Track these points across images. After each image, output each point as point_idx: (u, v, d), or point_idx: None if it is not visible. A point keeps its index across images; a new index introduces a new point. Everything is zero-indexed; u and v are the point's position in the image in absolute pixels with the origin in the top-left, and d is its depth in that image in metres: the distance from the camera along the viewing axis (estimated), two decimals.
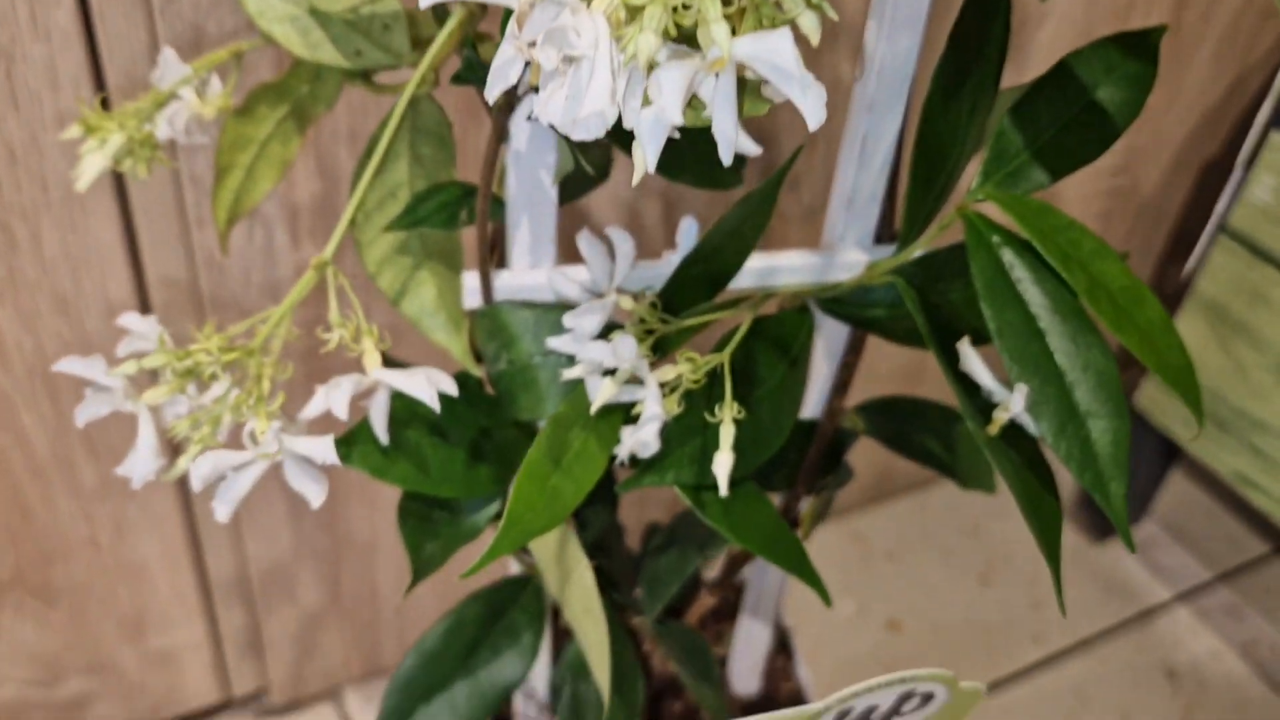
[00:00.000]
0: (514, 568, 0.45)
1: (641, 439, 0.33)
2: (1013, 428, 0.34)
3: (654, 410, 0.32)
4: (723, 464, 0.34)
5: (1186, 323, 0.90)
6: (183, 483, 0.68)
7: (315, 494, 0.29)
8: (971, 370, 0.32)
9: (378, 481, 0.77)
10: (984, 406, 0.34)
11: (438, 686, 0.41)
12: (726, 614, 0.59)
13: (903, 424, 0.47)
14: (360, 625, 0.83)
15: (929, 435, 0.48)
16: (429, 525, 0.34)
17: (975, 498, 1.13)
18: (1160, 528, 1.09)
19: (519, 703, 0.51)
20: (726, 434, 0.34)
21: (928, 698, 0.37)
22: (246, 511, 0.72)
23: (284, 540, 0.75)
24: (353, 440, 0.31)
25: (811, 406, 0.45)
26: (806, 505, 0.41)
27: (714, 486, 0.37)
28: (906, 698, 0.36)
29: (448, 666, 0.41)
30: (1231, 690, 0.95)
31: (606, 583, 0.47)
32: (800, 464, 0.44)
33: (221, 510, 0.29)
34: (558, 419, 0.32)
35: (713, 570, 0.53)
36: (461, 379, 0.36)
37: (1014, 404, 0.31)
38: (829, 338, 0.42)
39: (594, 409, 0.32)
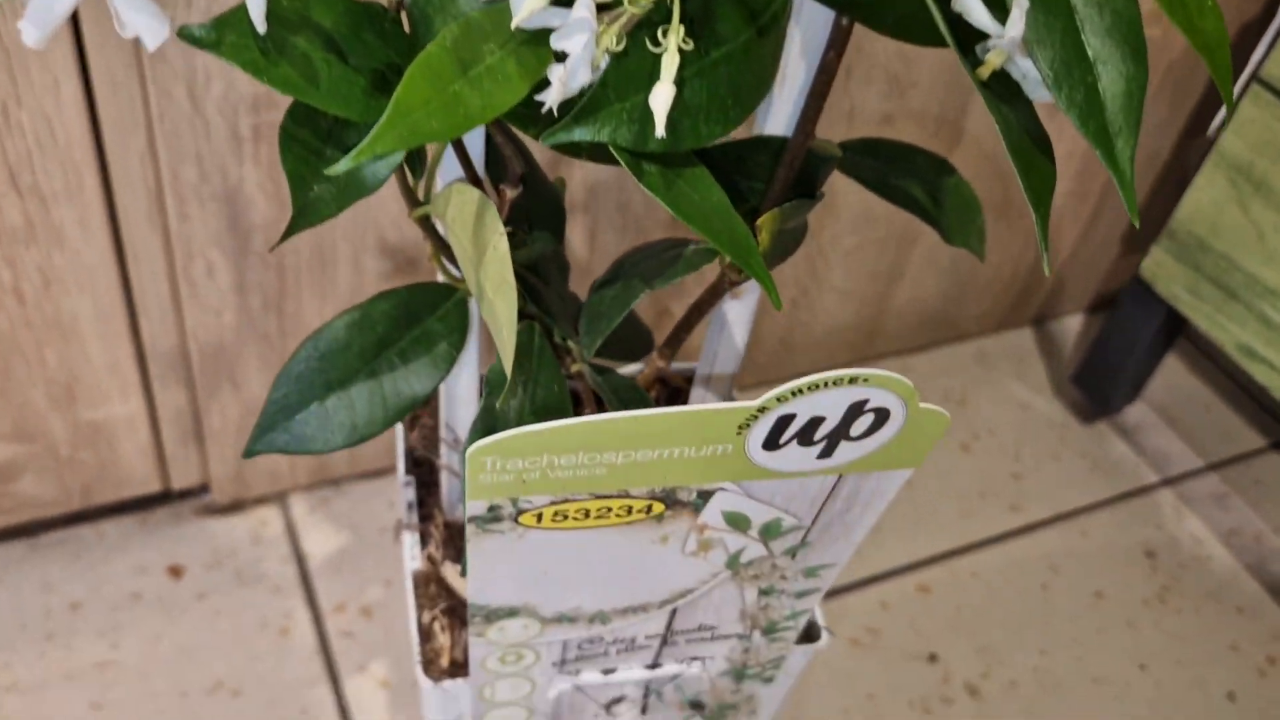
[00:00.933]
0: (439, 278, 0.40)
1: (570, 66, 0.28)
2: (1008, 86, 0.29)
3: (583, 17, 0.27)
4: (661, 98, 0.29)
5: (1206, 180, 0.85)
6: (117, 237, 0.64)
7: (150, 31, 0.24)
8: (966, 8, 0.27)
9: (328, 273, 0.72)
10: (979, 64, 0.29)
11: (335, 385, 0.36)
12: (681, 401, 0.55)
13: (887, 166, 0.43)
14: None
15: (914, 182, 0.43)
16: (319, 161, 0.30)
17: (965, 370, 1.09)
18: (1154, 411, 1.05)
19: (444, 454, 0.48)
20: (669, 63, 0.29)
21: (883, 416, 0.33)
22: (186, 281, 0.67)
23: (227, 318, 0.70)
24: (224, 26, 0.27)
25: (782, 122, 0.40)
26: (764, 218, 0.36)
27: (657, 157, 0.32)
28: (858, 412, 0.32)
29: (348, 364, 0.37)
30: (1210, 575, 0.92)
31: (542, 315, 0.43)
32: (766, 185, 0.39)
33: (29, 33, 0.24)
34: (470, 21, 0.27)
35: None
36: (375, 10, 0.31)
37: (1012, 28, 0.26)
38: (807, 30, 0.37)
39: (515, 23, 0.27)
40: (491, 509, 0.33)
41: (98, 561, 0.79)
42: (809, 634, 0.48)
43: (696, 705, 0.49)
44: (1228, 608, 0.90)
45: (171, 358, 0.72)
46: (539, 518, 0.34)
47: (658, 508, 0.35)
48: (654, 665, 0.46)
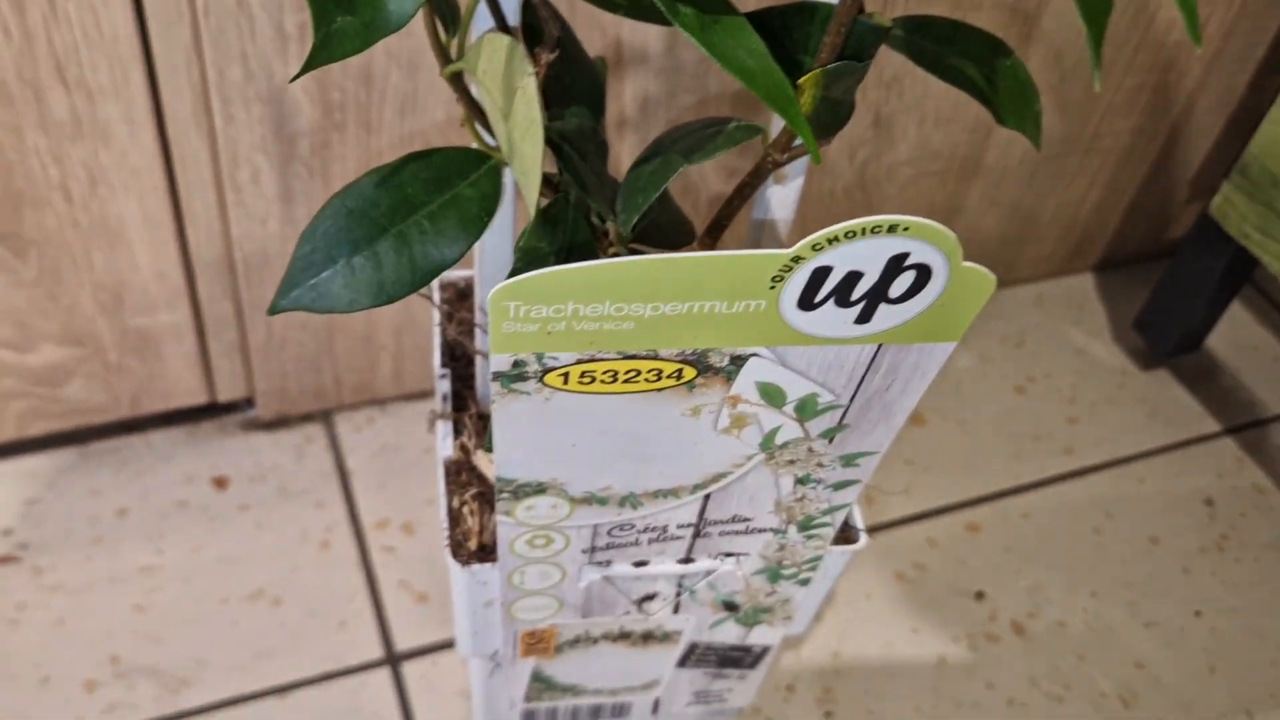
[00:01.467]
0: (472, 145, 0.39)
1: None
2: None
3: None
4: None
5: None
6: (164, 137, 0.64)
7: None
8: None
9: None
10: None
11: (362, 243, 0.36)
12: None
13: (942, 45, 0.41)
14: (353, 340, 0.80)
15: (970, 62, 0.41)
16: None
17: (1022, 308, 1.06)
18: (1218, 360, 1.01)
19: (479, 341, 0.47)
20: None
21: (924, 275, 0.31)
22: (232, 187, 0.67)
23: (272, 227, 0.70)
24: None
25: None
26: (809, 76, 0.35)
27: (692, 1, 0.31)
28: (898, 268, 0.31)
29: (376, 223, 0.36)
30: (1271, 525, 0.89)
31: (576, 187, 0.42)
32: (812, 59, 0.38)
33: None
34: None
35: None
36: None
37: None
38: None
39: None
40: (516, 365, 0.32)
41: (145, 470, 0.80)
42: (847, 536, 0.47)
43: (730, 606, 0.48)
44: None
45: (217, 267, 0.72)
46: (565, 378, 0.33)
47: (688, 373, 0.34)
48: (686, 559, 0.45)
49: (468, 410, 0.48)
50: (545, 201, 0.43)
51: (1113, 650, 0.79)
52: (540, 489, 0.39)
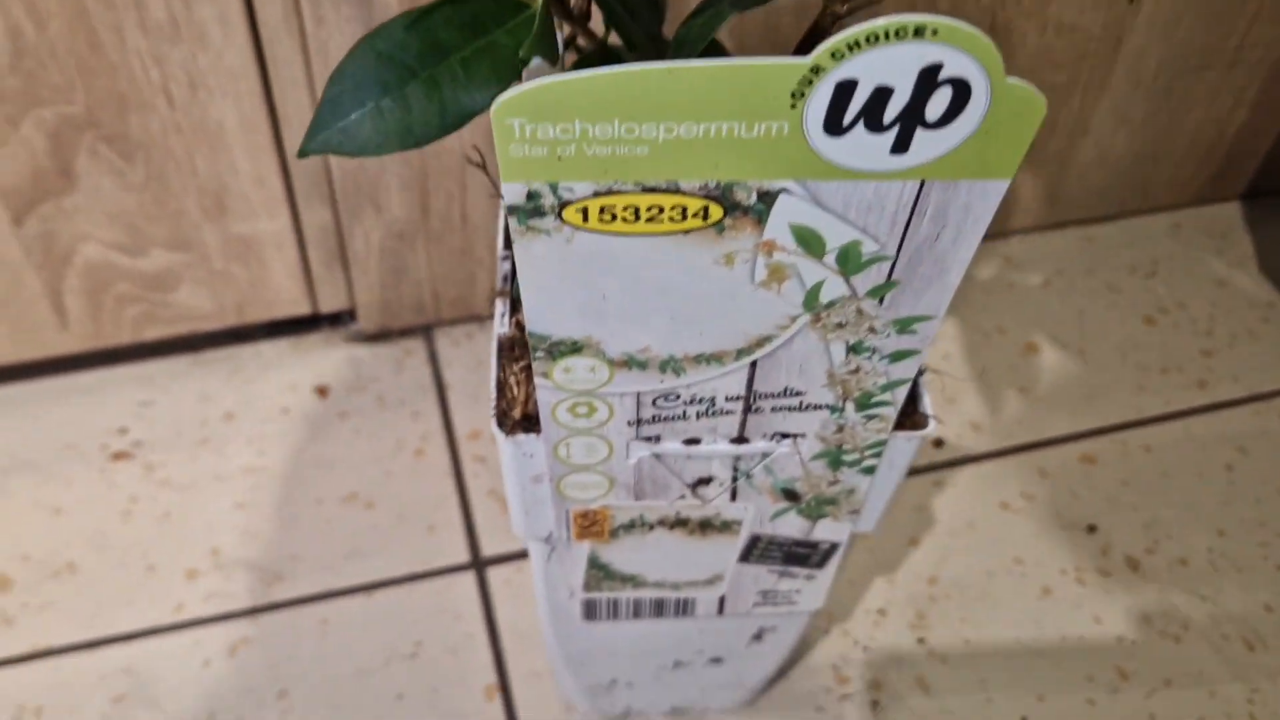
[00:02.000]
0: None
1: None
2: None
3: None
4: None
5: None
6: (257, 39, 0.65)
7: None
8: None
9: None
10: None
11: (391, 87, 0.35)
12: None
13: None
14: (449, 253, 0.80)
15: None
16: None
17: (1155, 237, 0.99)
18: None
19: None
20: None
21: (962, 92, 0.28)
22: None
23: None
24: None
25: None
26: None
27: None
28: (931, 84, 0.28)
29: (407, 66, 0.35)
30: None
31: (621, 47, 0.40)
32: None
33: None
34: None
35: None
36: None
37: None
38: None
39: None
40: (531, 197, 0.31)
41: (252, 378, 0.82)
42: (915, 422, 0.44)
43: (790, 494, 0.47)
44: None
45: (314, 174, 0.73)
46: (584, 214, 0.32)
47: (715, 212, 0.32)
48: (740, 439, 0.44)
49: None
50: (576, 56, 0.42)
51: (1239, 592, 0.74)
52: (575, 348, 0.38)
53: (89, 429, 0.79)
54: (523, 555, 0.73)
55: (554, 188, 0.31)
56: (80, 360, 0.82)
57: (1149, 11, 0.82)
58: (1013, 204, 0.95)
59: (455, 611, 0.71)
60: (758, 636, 0.59)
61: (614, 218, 0.32)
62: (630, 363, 0.39)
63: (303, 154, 0.35)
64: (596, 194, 0.31)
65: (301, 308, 0.81)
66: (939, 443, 0.81)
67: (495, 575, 0.72)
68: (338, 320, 0.86)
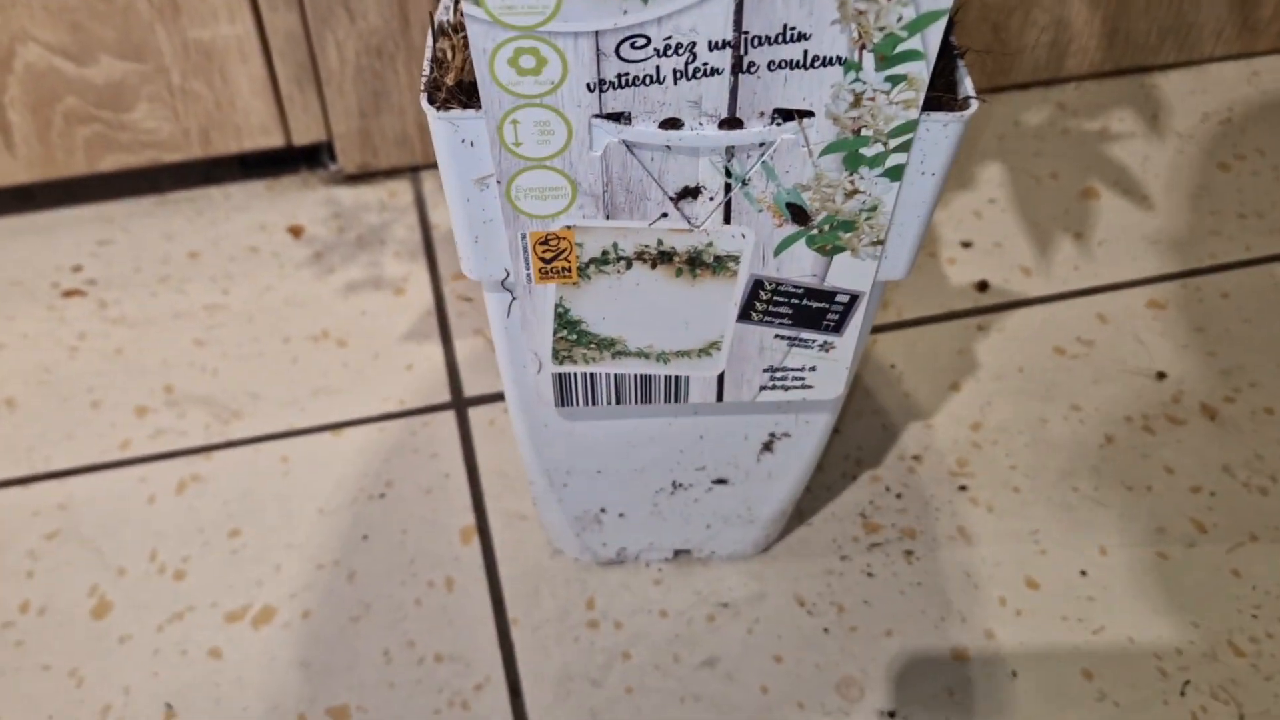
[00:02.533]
0: None
1: None
2: None
3: None
4: None
5: None
6: None
7: None
8: None
9: None
10: None
11: None
12: None
13: None
14: None
15: None
16: None
17: (1230, 84, 0.89)
18: None
19: None
20: None
21: None
22: None
23: None
24: None
25: None
26: None
27: None
28: None
29: None
30: None
31: None
32: None
33: None
34: None
35: None
36: None
37: None
38: None
39: None
40: None
41: (220, 219, 0.75)
42: (953, 102, 0.35)
43: (797, 212, 0.38)
44: None
45: None
46: None
47: None
48: (731, 122, 0.35)
49: None
50: None
51: None
52: None
53: (39, 267, 0.71)
54: None
55: None
56: (33, 195, 0.75)
57: None
58: (1067, 44, 0.85)
59: (431, 451, 0.63)
60: (768, 446, 0.50)
61: None
62: None
63: None
64: None
65: (273, 138, 0.74)
66: (984, 286, 0.72)
67: (478, 415, 0.64)
68: (315, 160, 0.78)
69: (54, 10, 0.64)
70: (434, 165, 0.78)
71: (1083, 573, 0.58)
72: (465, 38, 0.36)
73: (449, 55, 0.35)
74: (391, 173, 0.78)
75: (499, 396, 0.65)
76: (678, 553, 0.58)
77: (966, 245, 0.75)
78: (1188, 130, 0.83)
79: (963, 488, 0.62)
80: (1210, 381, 0.67)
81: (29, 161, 0.71)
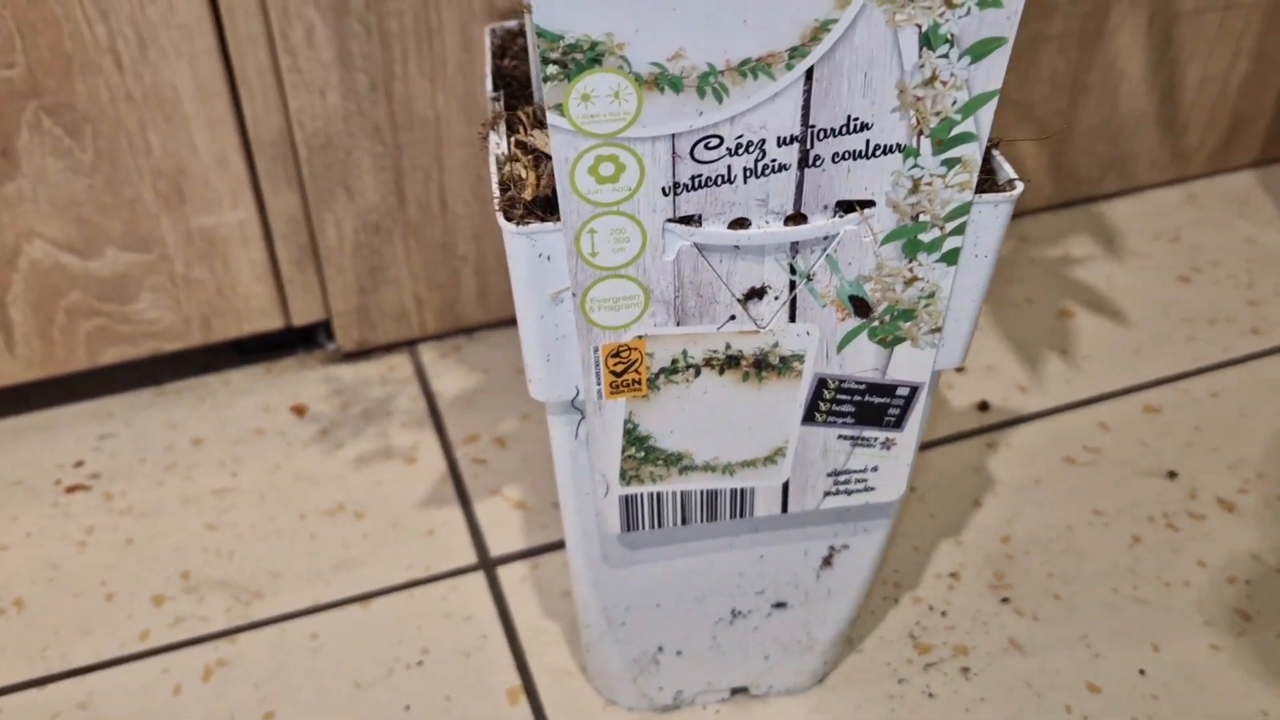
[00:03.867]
0: None
1: None
2: None
3: None
4: None
5: None
6: None
7: None
8: None
9: (435, 47, 0.67)
10: None
11: None
12: None
13: None
14: (430, 249, 0.74)
15: None
16: None
17: (1172, 204, 0.95)
18: None
19: None
20: None
21: None
22: (286, 50, 0.63)
23: (332, 99, 0.66)
24: None
25: None
26: None
27: None
28: None
29: None
30: None
31: None
32: None
33: None
34: None
35: None
36: None
37: None
38: None
39: None
40: None
41: (223, 404, 0.74)
42: (996, 185, 0.37)
43: (860, 304, 0.39)
44: None
45: (279, 150, 0.67)
46: None
47: None
48: (797, 218, 0.36)
49: (520, 110, 0.41)
50: None
51: None
52: (594, 53, 0.31)
53: (40, 465, 0.70)
54: (537, 552, 0.64)
55: None
56: (31, 393, 0.73)
57: None
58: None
59: (464, 614, 0.61)
60: (827, 561, 0.49)
61: None
62: (661, 81, 0.32)
63: None
64: None
65: (273, 320, 0.74)
66: (985, 406, 0.74)
67: (508, 574, 0.63)
68: (312, 340, 0.78)
69: (61, 205, 0.65)
70: (431, 337, 0.79)
71: (1141, 672, 0.58)
72: (535, 157, 0.37)
73: (523, 174, 0.36)
74: (389, 348, 0.78)
75: (527, 554, 0.64)
76: (734, 691, 0.56)
77: (960, 370, 0.77)
78: (1143, 250, 0.88)
79: (1005, 600, 0.61)
80: (1219, 476, 0.68)
81: (29, 361, 0.70)
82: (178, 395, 0.75)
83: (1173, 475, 0.69)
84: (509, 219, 0.36)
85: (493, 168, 0.38)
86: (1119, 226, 0.91)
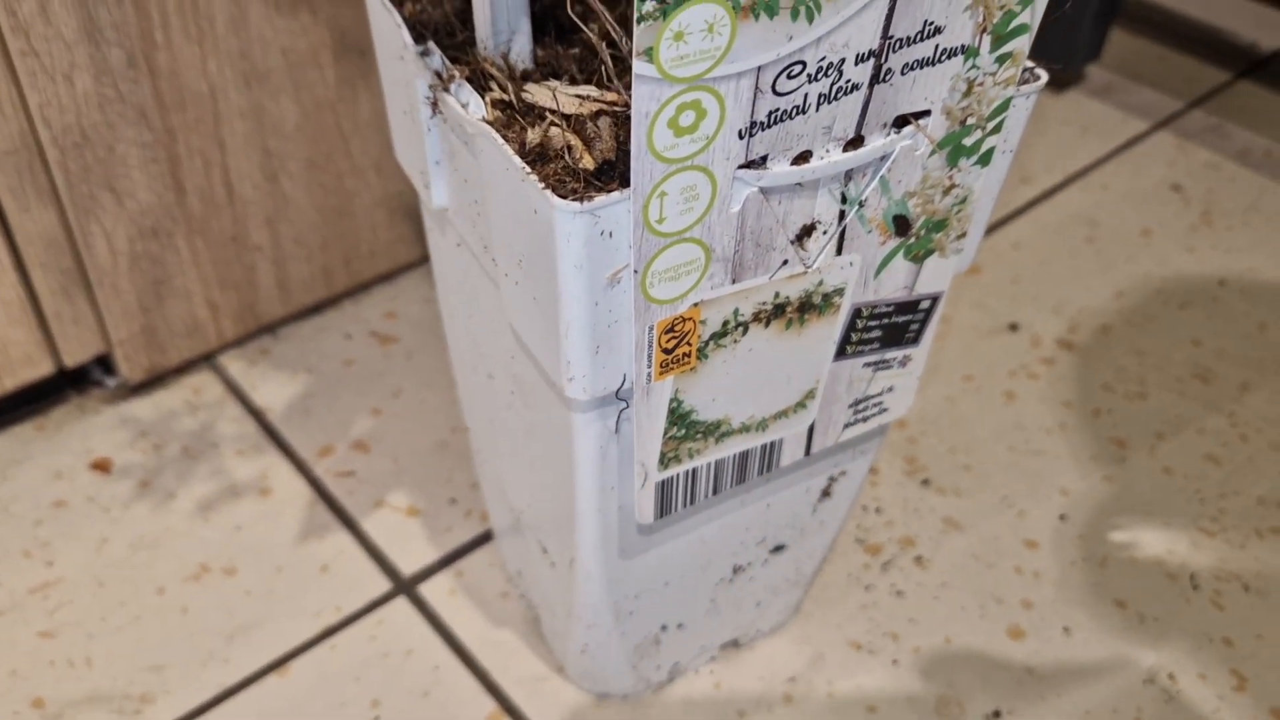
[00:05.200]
0: None
1: None
2: None
3: None
4: None
5: None
6: None
7: None
8: None
9: (200, 5, 0.56)
10: None
11: None
12: None
13: None
14: (218, 244, 0.63)
15: None
16: None
17: None
18: (1116, 74, 0.97)
19: None
20: None
21: None
22: (15, 29, 0.50)
23: (83, 85, 0.53)
24: None
25: None
26: None
27: None
28: None
29: None
30: (1241, 190, 0.84)
31: None
32: None
33: None
34: None
35: None
36: None
37: None
38: None
39: None
40: None
41: (3, 477, 0.60)
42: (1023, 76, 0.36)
43: (901, 223, 0.36)
44: (1272, 215, 0.82)
45: (21, 156, 0.54)
46: None
47: None
48: (856, 141, 0.33)
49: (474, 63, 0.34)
50: None
51: (1166, 338, 0.72)
52: None
53: None
54: (454, 557, 0.57)
55: None
56: None
57: None
58: None
59: (404, 649, 0.53)
60: (826, 492, 0.47)
61: None
62: (759, 6, 0.27)
63: None
64: None
65: (39, 367, 0.60)
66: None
67: (432, 590, 0.56)
68: (84, 379, 0.65)
69: None
70: (231, 344, 0.68)
71: (1062, 517, 0.61)
72: (565, 117, 0.31)
73: (564, 141, 0.30)
74: (184, 368, 0.66)
75: (444, 562, 0.57)
76: (723, 646, 0.53)
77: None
78: None
79: (925, 482, 0.63)
80: (1050, 320, 0.73)
81: None
82: None
83: (1014, 328, 0.73)
84: (563, 196, 0.29)
85: (497, 139, 0.31)
86: None
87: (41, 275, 0.57)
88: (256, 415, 0.64)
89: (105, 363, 0.65)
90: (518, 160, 0.30)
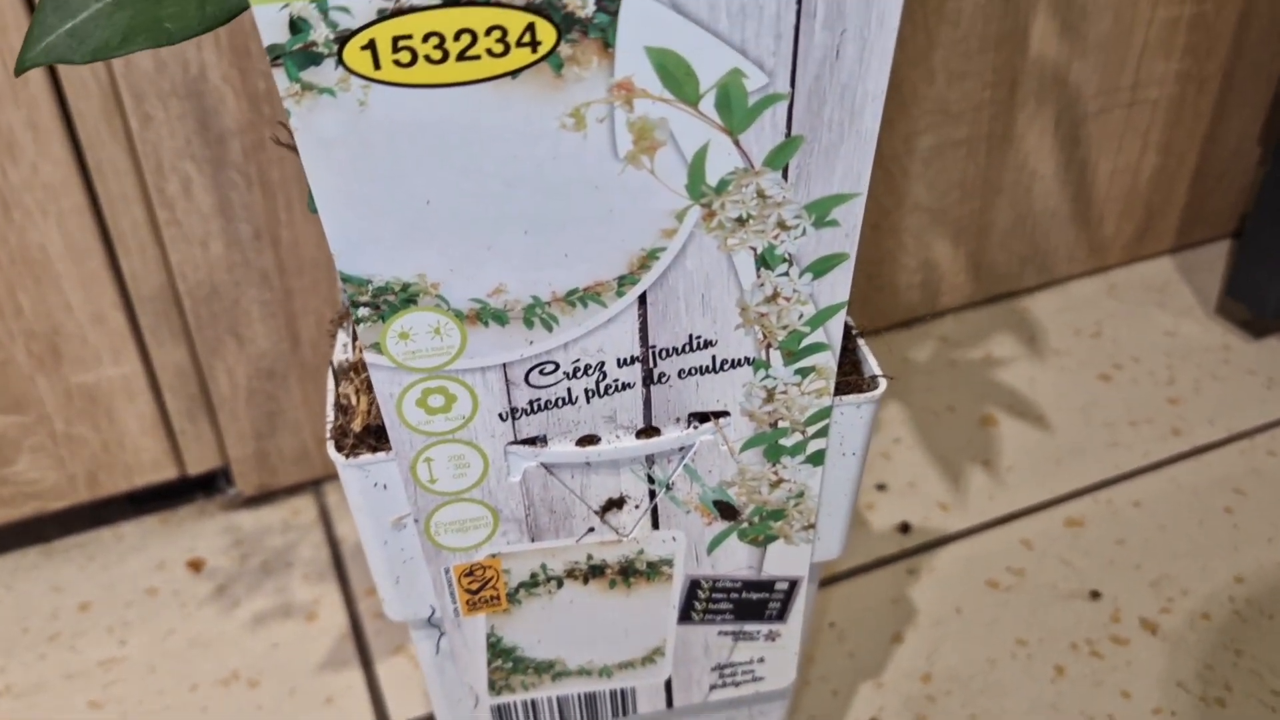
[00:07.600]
0: None
1: None
2: None
3: None
4: None
5: None
6: (76, 146, 0.58)
7: None
8: None
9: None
10: None
11: None
12: None
13: None
14: (324, 387, 0.71)
15: None
16: None
17: (1093, 297, 0.94)
18: None
19: None
20: None
21: None
22: (162, 203, 0.61)
23: (215, 250, 0.63)
24: None
25: None
26: None
27: None
28: None
29: None
30: None
31: None
32: None
33: None
34: None
35: None
36: None
37: None
38: None
39: None
40: (296, 29, 0.24)
41: (113, 562, 0.71)
42: (859, 384, 0.36)
43: (725, 508, 0.37)
44: None
45: (161, 303, 0.65)
46: (373, 53, 0.24)
47: (544, 33, 0.25)
48: (648, 431, 0.34)
49: None
50: None
51: (1276, 638, 0.64)
52: (407, 294, 0.29)
53: None
54: None
55: (323, 9, 0.24)
56: None
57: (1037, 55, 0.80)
58: (938, 282, 0.89)
59: None
60: None
61: (414, 58, 0.25)
62: (484, 315, 0.30)
63: (20, 69, 0.27)
64: (382, 14, 0.24)
65: (166, 471, 0.71)
66: (906, 527, 0.72)
67: None
68: (211, 486, 0.75)
69: None
70: (335, 475, 0.76)
71: None
72: (368, 378, 0.35)
73: (354, 400, 0.34)
74: (292, 489, 0.75)
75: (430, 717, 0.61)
76: None
77: (881, 488, 0.75)
78: (1064, 348, 0.87)
79: None
80: (1142, 595, 0.67)
81: None
82: (65, 555, 0.71)
83: (1096, 595, 0.67)
84: (339, 449, 0.33)
85: (330, 384, 0.36)
86: (1040, 322, 0.90)
87: (171, 398, 0.68)
88: (333, 545, 0.71)
89: (227, 475, 0.75)
90: (329, 410, 0.35)
